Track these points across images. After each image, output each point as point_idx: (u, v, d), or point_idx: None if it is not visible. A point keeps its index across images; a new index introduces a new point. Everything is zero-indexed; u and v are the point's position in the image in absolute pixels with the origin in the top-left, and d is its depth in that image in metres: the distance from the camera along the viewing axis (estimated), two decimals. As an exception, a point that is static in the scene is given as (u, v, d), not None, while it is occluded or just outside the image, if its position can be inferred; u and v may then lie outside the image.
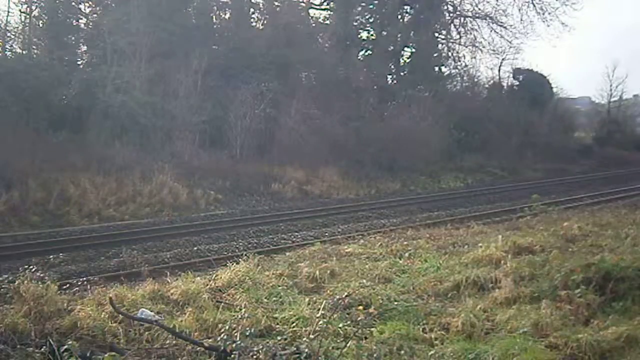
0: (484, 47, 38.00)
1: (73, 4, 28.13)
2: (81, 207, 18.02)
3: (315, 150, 26.25)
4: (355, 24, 35.86)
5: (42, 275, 6.65)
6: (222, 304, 7.11)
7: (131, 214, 18.62)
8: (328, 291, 7.71)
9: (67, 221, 17.27)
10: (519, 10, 38.91)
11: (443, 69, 38.27)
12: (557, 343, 5.87)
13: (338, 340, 5.64)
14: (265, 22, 33.20)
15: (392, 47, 35.71)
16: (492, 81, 41.19)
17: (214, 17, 32.03)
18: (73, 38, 28.67)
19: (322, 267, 8.72)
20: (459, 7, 38.16)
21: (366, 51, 36.74)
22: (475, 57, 41.27)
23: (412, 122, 29.34)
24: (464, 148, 33.20)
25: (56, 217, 17.38)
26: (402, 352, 5.57)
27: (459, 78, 39.62)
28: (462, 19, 38.05)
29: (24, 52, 26.43)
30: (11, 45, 26.80)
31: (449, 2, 37.99)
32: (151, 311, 6.48)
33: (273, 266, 9.28)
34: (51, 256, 9.31)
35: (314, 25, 35.37)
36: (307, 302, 7.10)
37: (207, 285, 7.74)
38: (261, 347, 5.04)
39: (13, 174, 17.74)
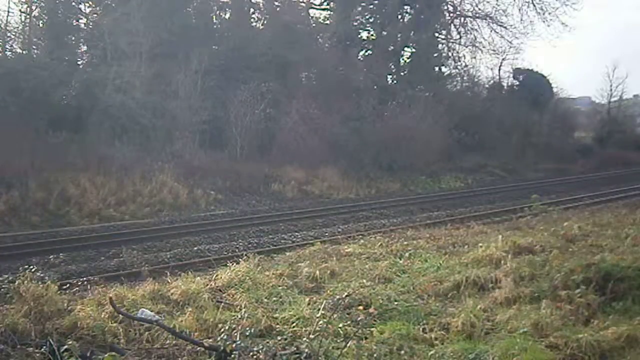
0: (484, 47, 38.05)
1: (73, 4, 28.14)
2: (81, 207, 18.03)
3: (315, 150, 26.24)
4: (355, 24, 35.83)
5: (42, 275, 6.64)
6: (222, 304, 7.11)
7: (131, 214, 18.62)
8: (328, 291, 7.70)
9: (67, 221, 17.27)
10: (519, 10, 38.95)
11: (443, 69, 38.32)
12: (557, 343, 5.86)
13: (338, 340, 5.63)
14: (265, 22, 33.22)
15: (392, 47, 35.70)
16: (492, 81, 41.26)
17: (214, 17, 32.06)
18: (73, 38, 28.68)
19: (322, 267, 8.72)
20: (459, 7, 38.21)
21: (366, 51, 36.73)
22: (475, 57, 41.16)
23: (412, 122, 29.31)
24: (464, 148, 33.19)
25: (56, 217, 17.38)
26: (402, 352, 5.57)
27: (459, 78, 39.66)
28: (462, 19, 38.06)
29: (24, 52, 26.45)
30: (11, 45, 26.87)
31: (449, 2, 38.02)
32: (151, 311, 6.47)
33: (273, 266, 9.28)
34: (51, 256, 9.30)
35: (314, 25, 35.38)
36: (307, 302, 7.10)
37: (207, 285, 7.73)
38: (261, 347, 5.05)
39: (13, 174, 17.75)
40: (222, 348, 5.03)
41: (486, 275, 7.99)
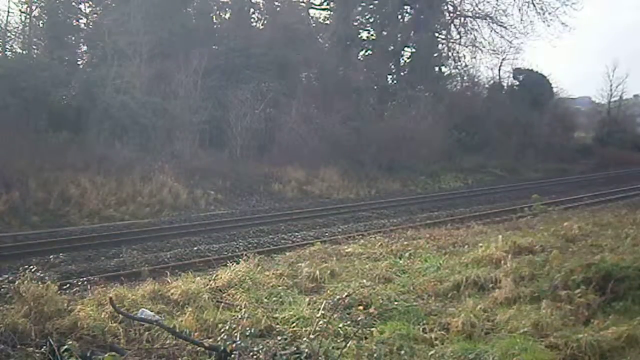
0: (484, 47, 38.03)
1: (73, 4, 28.14)
2: (81, 207, 18.02)
3: (315, 150, 26.25)
4: (355, 24, 35.84)
5: (42, 275, 6.63)
6: (222, 304, 7.11)
7: (131, 214, 18.61)
8: (328, 291, 7.71)
9: (67, 221, 17.27)
10: (519, 10, 38.92)
11: (443, 69, 38.32)
12: (557, 343, 5.86)
13: (338, 340, 5.64)
14: (265, 22, 33.23)
15: (392, 47, 35.69)
16: (492, 81, 41.27)
17: (214, 17, 32.07)
18: (73, 38, 28.69)
19: (322, 267, 8.73)
20: (459, 7, 38.18)
21: (366, 51, 36.73)
22: (475, 57, 41.32)
23: (412, 122, 29.34)
24: (464, 148, 33.18)
25: (56, 217, 17.37)
26: (402, 352, 5.57)
27: (459, 78, 39.67)
28: (462, 19, 38.04)
29: (24, 52, 26.44)
30: (11, 45, 26.85)
31: (449, 2, 38.01)
32: (151, 311, 6.48)
33: (273, 266, 9.29)
34: (51, 256, 9.22)
35: (314, 25, 35.40)
36: (307, 302, 7.10)
37: (207, 285, 7.73)
38: (261, 347, 5.04)
39: (13, 174, 17.74)
40: (222, 348, 5.03)
41: (486, 275, 8.00)
